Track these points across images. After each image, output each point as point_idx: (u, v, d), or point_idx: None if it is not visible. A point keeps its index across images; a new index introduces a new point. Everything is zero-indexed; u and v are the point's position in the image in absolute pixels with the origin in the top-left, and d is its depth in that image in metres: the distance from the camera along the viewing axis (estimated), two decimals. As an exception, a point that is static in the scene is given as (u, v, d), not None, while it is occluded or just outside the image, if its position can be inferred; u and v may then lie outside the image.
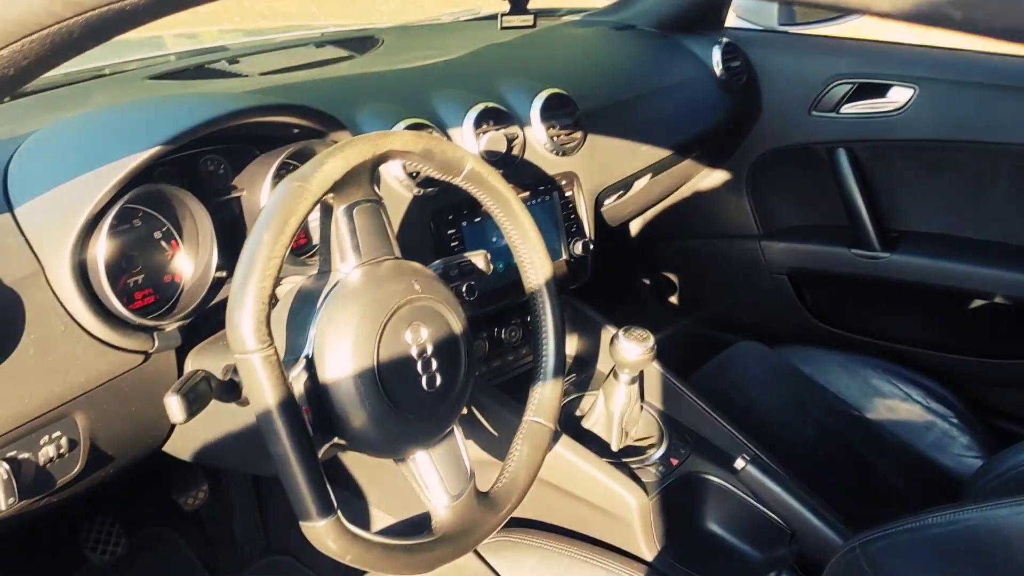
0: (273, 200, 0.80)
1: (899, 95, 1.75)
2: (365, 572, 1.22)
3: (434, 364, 0.92)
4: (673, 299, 2.27)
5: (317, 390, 0.86)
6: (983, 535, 0.88)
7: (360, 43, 1.62)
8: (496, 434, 1.28)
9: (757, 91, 1.91)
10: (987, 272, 1.72)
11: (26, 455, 0.91)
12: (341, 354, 0.85)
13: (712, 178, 2.03)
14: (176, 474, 1.58)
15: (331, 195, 0.87)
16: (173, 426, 1.10)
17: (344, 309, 0.86)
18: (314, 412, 0.85)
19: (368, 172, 0.90)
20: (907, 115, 1.74)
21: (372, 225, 0.91)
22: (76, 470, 0.97)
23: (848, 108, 1.81)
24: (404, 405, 0.89)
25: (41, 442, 0.92)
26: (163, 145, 0.92)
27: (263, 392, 0.78)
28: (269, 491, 1.70)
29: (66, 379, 0.92)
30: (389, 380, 0.87)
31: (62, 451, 0.94)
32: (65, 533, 1.49)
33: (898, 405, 1.68)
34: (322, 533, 0.82)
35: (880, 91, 1.78)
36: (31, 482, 0.92)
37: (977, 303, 1.79)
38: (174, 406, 0.81)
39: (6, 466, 0.88)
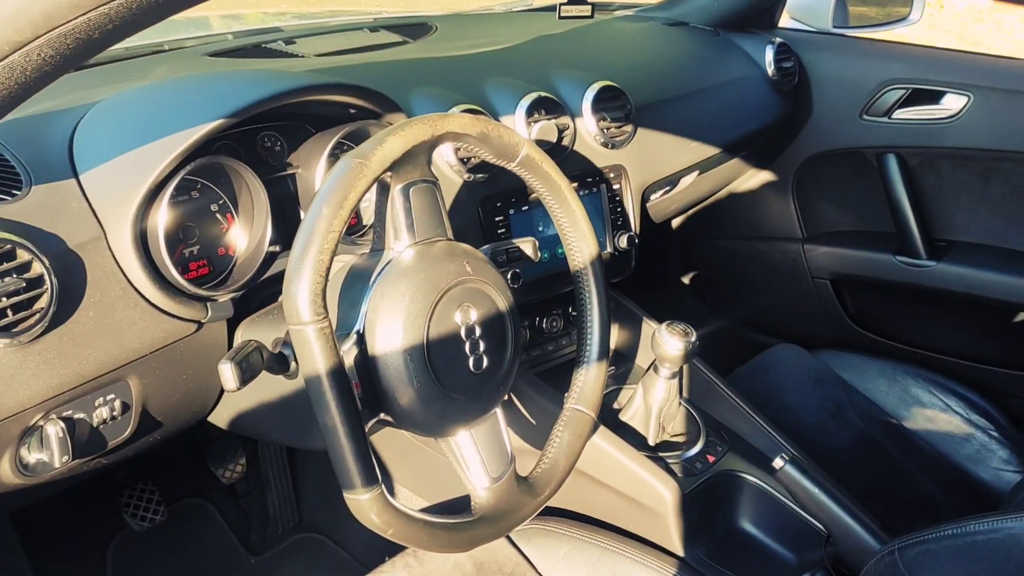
0: (333, 176, 0.81)
1: (953, 102, 1.73)
2: (394, 553, 1.23)
3: (482, 346, 0.93)
4: (713, 298, 2.26)
5: (366, 365, 0.87)
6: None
7: (414, 29, 1.63)
8: (534, 422, 1.29)
9: (808, 93, 1.90)
10: (1034, 285, 1.70)
11: (81, 415, 0.93)
12: (392, 331, 0.86)
13: (758, 178, 2.02)
14: (215, 447, 1.61)
15: (389, 174, 0.88)
16: (219, 397, 1.12)
17: (396, 287, 0.87)
18: (363, 387, 0.86)
19: (426, 153, 0.91)
20: (960, 123, 1.72)
21: (427, 205, 0.92)
22: (127, 433, 0.99)
23: (900, 114, 1.80)
24: (451, 385, 0.90)
25: (96, 404, 0.94)
26: (226, 118, 0.94)
27: (316, 363, 0.79)
28: (303, 469, 1.72)
29: (122, 343, 0.94)
30: (437, 359, 0.88)
31: (115, 414, 0.96)
32: (108, 499, 1.52)
33: (937, 415, 1.67)
34: (365, 506, 0.83)
35: (934, 97, 1.76)
36: (84, 442, 0.94)
37: (1022, 316, 1.76)
38: (227, 373, 0.83)
39: (62, 425, 0.90)
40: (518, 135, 0.98)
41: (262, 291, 1.11)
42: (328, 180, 0.82)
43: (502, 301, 0.96)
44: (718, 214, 2.09)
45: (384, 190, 0.91)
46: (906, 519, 1.45)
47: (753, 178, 2.01)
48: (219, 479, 1.59)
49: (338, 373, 0.80)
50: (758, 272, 2.13)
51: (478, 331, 0.92)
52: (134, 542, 1.55)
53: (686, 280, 2.28)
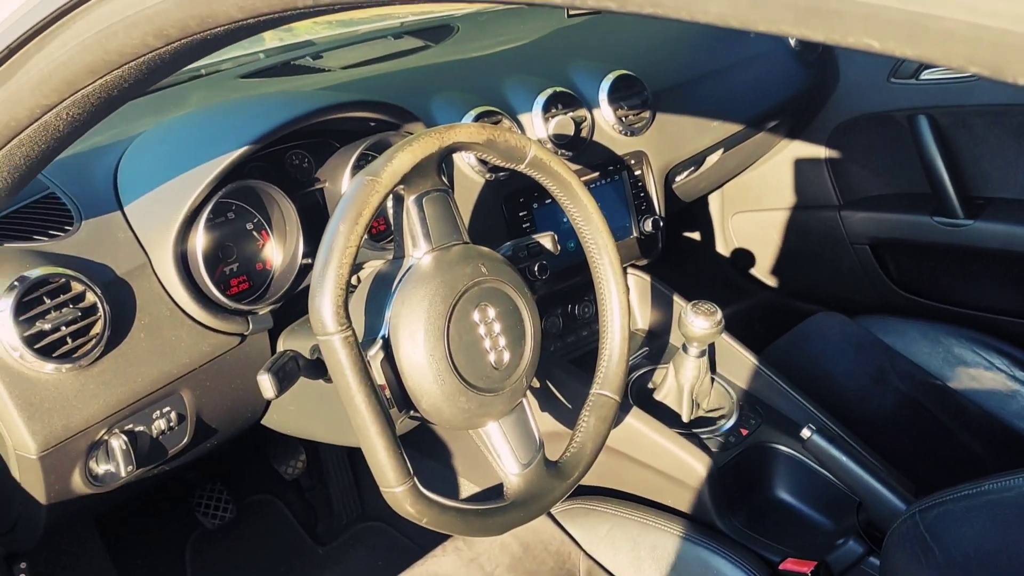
0: (348, 194, 0.88)
1: (982, 58, 1.71)
2: (451, 536, 1.30)
3: (502, 342, 0.98)
4: (753, 271, 2.28)
5: (394, 368, 0.93)
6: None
7: (437, 32, 1.68)
8: (570, 406, 1.34)
9: (834, 60, 1.90)
10: (1076, 237, 1.68)
11: (141, 428, 1.02)
12: (414, 334, 0.92)
13: (790, 149, 2.02)
14: (276, 445, 1.70)
15: (401, 187, 0.94)
16: (269, 402, 1.20)
17: (416, 292, 0.93)
18: (391, 388, 0.93)
19: (435, 164, 0.96)
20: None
21: (441, 213, 0.98)
22: (185, 441, 1.07)
23: (927, 74, 1.79)
24: (475, 381, 0.95)
25: (153, 416, 1.03)
26: (251, 144, 1.01)
27: (343, 370, 0.85)
28: (362, 461, 1.81)
29: (173, 360, 1.02)
30: (460, 358, 0.94)
31: (172, 424, 1.05)
32: (180, 500, 1.62)
33: (981, 374, 1.66)
34: (400, 498, 0.89)
35: (961, 55, 1.74)
36: (146, 452, 1.03)
37: (1065, 269, 1.75)
38: (266, 383, 0.90)
39: (124, 438, 0.99)
40: (524, 137, 1.03)
41: (299, 301, 1.18)
42: (344, 198, 0.88)
43: (519, 298, 1.01)
44: (753, 187, 2.10)
45: (399, 202, 0.97)
46: (952, 479, 1.46)
47: (785, 149, 2.02)
48: (282, 475, 1.68)
49: (365, 379, 0.86)
50: (797, 241, 2.13)
51: (497, 328, 0.98)
52: (209, 539, 1.65)
53: (726, 254, 2.30)
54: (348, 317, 0.85)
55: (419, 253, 0.97)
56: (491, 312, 0.98)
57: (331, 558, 1.73)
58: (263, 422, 1.24)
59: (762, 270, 2.26)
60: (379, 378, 0.92)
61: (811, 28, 0.33)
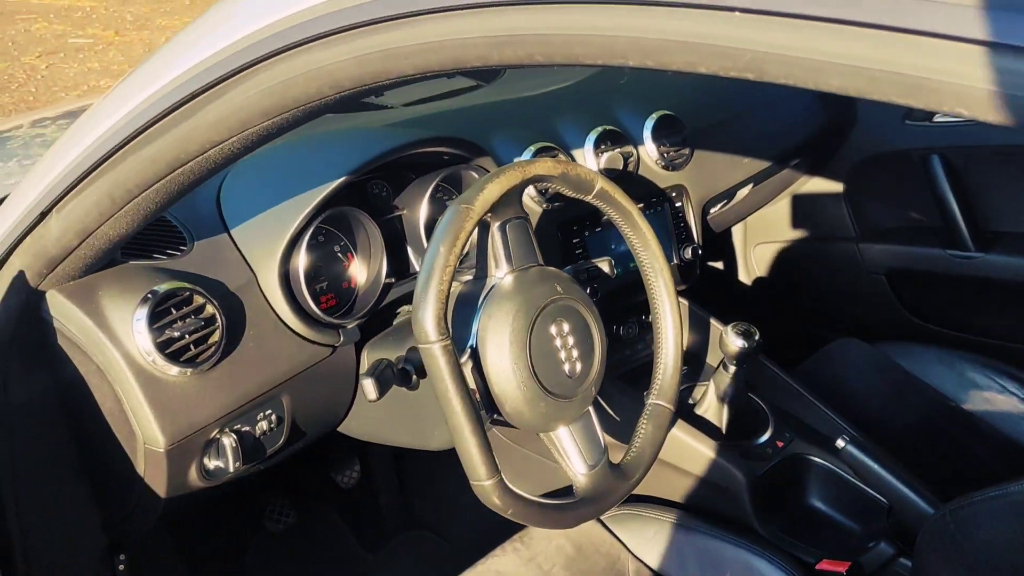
0: (445, 219, 0.99)
1: (992, 102, 1.85)
2: (492, 542, 1.40)
3: (575, 353, 1.09)
4: (774, 299, 2.40)
5: (481, 374, 1.04)
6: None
7: (486, 72, 1.81)
8: (618, 419, 1.45)
9: (853, 101, 2.03)
10: (1081, 269, 1.80)
11: (247, 428, 1.13)
12: (501, 345, 1.03)
13: (811, 184, 2.15)
14: (333, 456, 1.80)
15: (488, 214, 1.06)
16: (349, 409, 1.31)
17: (501, 307, 1.05)
18: (480, 393, 1.04)
19: (518, 193, 1.08)
20: None
21: (521, 238, 1.09)
22: (280, 442, 1.18)
23: (940, 117, 1.92)
24: (551, 388, 1.06)
25: (258, 418, 1.14)
26: (349, 175, 1.13)
27: (442, 375, 0.96)
28: (409, 472, 1.91)
29: (276, 367, 1.13)
30: (539, 367, 1.05)
31: (272, 426, 1.16)
32: (246, 505, 1.73)
33: (995, 397, 1.77)
34: (489, 490, 1.00)
35: (973, 99, 1.87)
36: (250, 450, 1.13)
37: (1072, 300, 1.87)
38: (369, 386, 1.01)
39: (234, 437, 1.10)
40: (592, 171, 1.15)
41: (379, 317, 1.30)
42: (441, 223, 0.99)
43: (588, 315, 1.13)
44: (777, 219, 2.23)
45: (483, 227, 1.09)
46: (969, 490, 1.57)
47: (807, 184, 2.15)
48: (339, 485, 1.78)
49: (461, 382, 0.97)
50: (817, 271, 2.25)
51: (571, 341, 1.09)
52: (268, 544, 1.75)
53: (749, 282, 2.42)
54: (448, 328, 0.97)
55: (501, 273, 1.08)
56: (565, 327, 1.09)
57: (379, 564, 1.83)
58: (340, 429, 1.35)
59: (783, 298, 2.38)
60: (470, 384, 1.03)
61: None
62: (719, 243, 2.34)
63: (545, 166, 1.09)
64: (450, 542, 1.86)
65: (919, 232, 2.05)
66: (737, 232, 2.32)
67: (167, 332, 1.02)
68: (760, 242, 2.32)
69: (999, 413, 1.74)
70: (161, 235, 1.13)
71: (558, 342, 1.08)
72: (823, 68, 0.47)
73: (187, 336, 1.03)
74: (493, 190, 1.03)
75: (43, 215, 0.93)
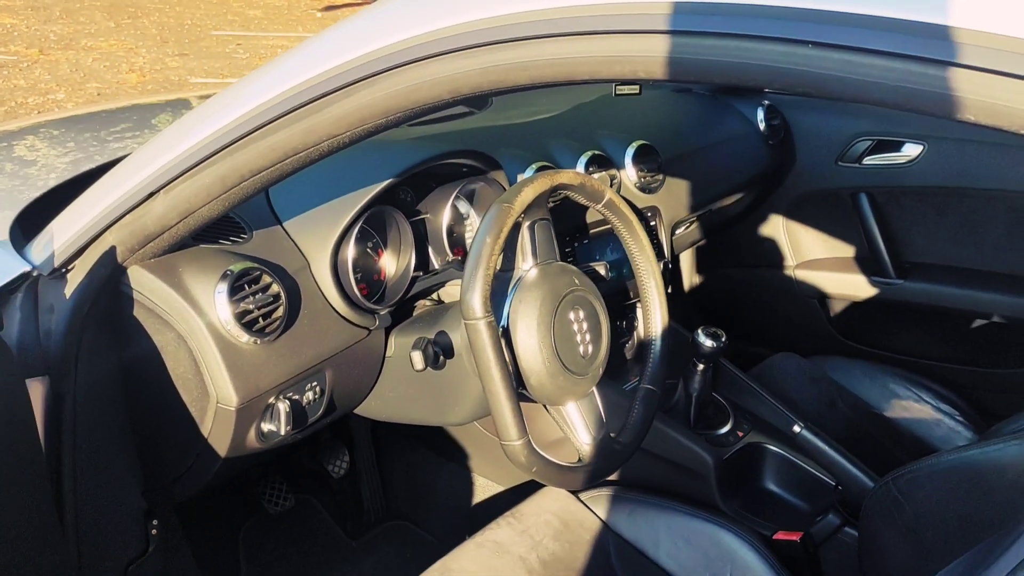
0: (490, 216, 1.17)
1: (911, 150, 2.14)
2: (472, 533, 1.55)
3: (588, 337, 1.28)
4: (721, 317, 2.63)
5: (512, 351, 1.21)
6: (983, 464, 1.23)
7: (476, 100, 2.00)
8: (601, 409, 1.63)
9: (792, 145, 2.30)
10: (984, 296, 2.09)
11: (296, 397, 1.27)
12: (529, 326, 1.21)
13: (754, 217, 2.41)
14: (325, 448, 1.93)
15: (521, 214, 1.23)
16: (370, 391, 1.46)
17: (530, 294, 1.22)
18: (511, 367, 1.21)
19: (546, 198, 1.26)
20: (918, 166, 2.12)
21: (545, 236, 1.28)
22: (320, 412, 1.32)
23: (868, 160, 2.20)
24: (569, 366, 1.24)
25: (306, 388, 1.28)
26: (395, 177, 1.30)
27: (486, 347, 1.13)
28: (389, 466, 2.05)
29: (324, 343, 1.28)
30: (560, 346, 1.23)
31: (316, 396, 1.30)
32: (246, 488, 1.84)
33: (912, 405, 2.02)
34: (518, 450, 1.16)
35: (895, 146, 2.16)
36: (298, 417, 1.27)
37: (978, 322, 2.15)
38: (417, 357, 1.18)
39: (287, 403, 1.23)
40: (603, 184, 1.35)
41: (400, 309, 1.45)
42: (486, 219, 1.17)
43: (599, 305, 1.31)
44: (722, 246, 2.47)
45: (515, 226, 1.26)
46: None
47: (751, 215, 2.40)
48: (329, 474, 1.91)
49: (500, 354, 1.14)
50: (757, 294, 2.51)
51: (585, 327, 1.27)
52: (259, 527, 1.86)
53: (696, 301, 2.65)
54: (491, 308, 1.14)
55: (527, 266, 1.26)
56: (581, 314, 1.27)
57: (361, 551, 1.96)
58: (359, 411, 1.49)
59: (728, 316, 2.62)
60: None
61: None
62: (674, 264, 2.57)
63: (568, 176, 1.28)
64: (429, 532, 2.00)
65: (847, 261, 2.32)
66: (686, 257, 2.55)
67: (242, 305, 1.16)
68: (707, 268, 2.57)
69: (916, 420, 1.99)
70: (222, 223, 1.26)
71: (575, 327, 1.26)
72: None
73: (258, 309, 1.17)
74: (529, 193, 1.21)
75: (151, 195, 1.06)
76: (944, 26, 0.57)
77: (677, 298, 2.60)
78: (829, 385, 2.06)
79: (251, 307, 1.16)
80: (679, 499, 1.58)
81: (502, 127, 1.79)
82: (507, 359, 1.20)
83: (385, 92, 0.89)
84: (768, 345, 2.49)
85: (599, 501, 1.60)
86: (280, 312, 1.20)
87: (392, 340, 1.42)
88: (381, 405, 1.48)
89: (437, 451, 2.00)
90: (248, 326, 1.16)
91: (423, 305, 1.51)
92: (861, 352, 2.31)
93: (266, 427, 1.24)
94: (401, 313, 1.46)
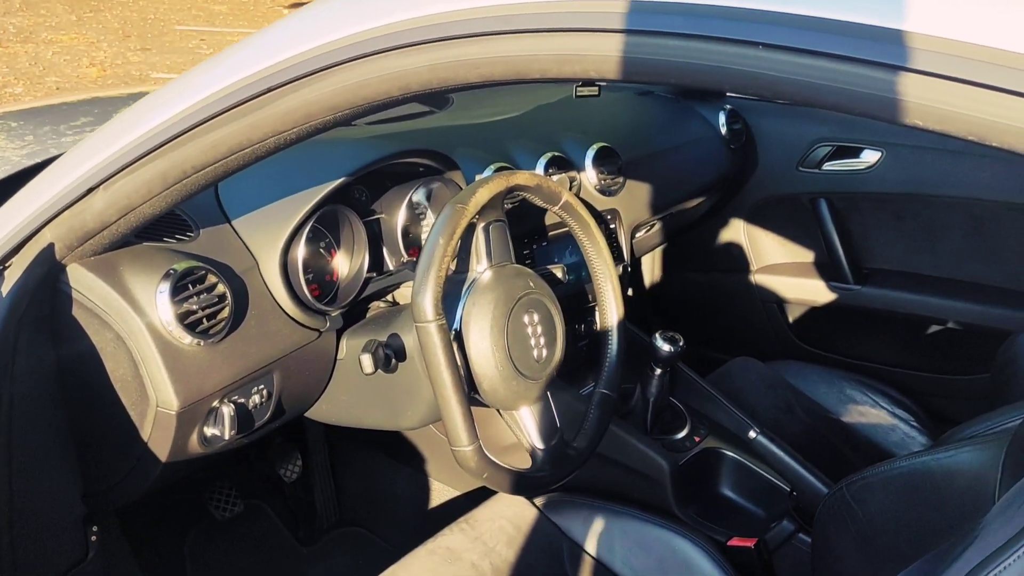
0: (443, 216, 1.15)
1: (870, 156, 2.15)
2: (424, 540, 1.52)
3: (542, 340, 1.26)
4: (681, 321, 2.63)
5: (464, 355, 1.19)
6: (934, 471, 1.23)
7: (436, 99, 1.97)
8: (555, 413, 1.62)
9: (754, 149, 2.30)
10: (941, 302, 2.10)
11: (242, 400, 1.23)
12: (483, 329, 1.19)
13: (714, 221, 2.41)
14: (277, 450, 1.89)
15: (476, 215, 1.21)
16: (320, 394, 1.43)
17: (484, 297, 1.20)
18: (463, 371, 1.18)
19: (501, 199, 1.24)
20: (876, 172, 2.13)
21: (500, 238, 1.26)
22: (267, 416, 1.29)
23: (828, 165, 2.20)
24: (522, 369, 1.22)
25: (252, 391, 1.24)
26: (349, 176, 1.27)
27: (437, 351, 1.11)
28: (343, 472, 2.01)
29: (272, 345, 1.25)
30: (514, 350, 1.21)
31: (263, 400, 1.26)
32: (192, 493, 1.80)
33: (868, 411, 2.03)
34: (468, 456, 1.14)
35: (854, 152, 2.17)
36: (243, 421, 1.24)
37: (933, 328, 2.17)
38: (366, 360, 1.15)
39: (232, 406, 1.20)
40: (560, 186, 1.33)
41: (353, 311, 1.42)
42: (439, 219, 1.15)
43: (553, 309, 1.29)
44: (682, 250, 2.47)
45: (469, 227, 1.24)
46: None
47: (711, 219, 2.40)
48: (281, 479, 1.87)
49: (452, 358, 1.12)
50: (717, 298, 2.51)
51: (539, 330, 1.26)
52: (206, 534, 1.82)
53: (656, 305, 2.65)
54: (444, 310, 1.12)
55: (482, 268, 1.24)
56: (536, 317, 1.25)
57: (313, 558, 1.92)
58: (310, 414, 1.46)
59: (688, 320, 2.61)
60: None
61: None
62: (634, 268, 2.56)
63: (525, 177, 1.26)
64: (382, 539, 1.97)
65: (806, 266, 2.33)
66: (646, 261, 2.55)
67: (185, 305, 1.12)
68: (667, 271, 2.56)
69: (871, 425, 2.00)
70: (167, 220, 1.23)
71: (529, 330, 1.24)
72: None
73: (202, 310, 1.14)
74: (483, 194, 1.19)
75: (90, 190, 1.03)
76: (893, 30, 0.56)
77: (636, 301, 2.60)
78: (786, 390, 2.07)
79: (195, 307, 1.13)
80: (634, 504, 1.56)
81: (461, 126, 1.77)
82: (459, 363, 1.18)
83: (332, 88, 0.87)
84: (727, 350, 2.48)
85: (554, 507, 1.58)
86: (225, 313, 1.17)
87: (344, 342, 1.39)
88: (332, 409, 1.44)
89: (393, 455, 1.97)
90: (191, 327, 1.13)
91: (377, 307, 1.48)
92: (819, 357, 2.31)
93: (209, 431, 1.21)
94: (354, 315, 1.43)
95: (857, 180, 2.16)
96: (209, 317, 1.15)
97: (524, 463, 1.25)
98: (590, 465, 1.62)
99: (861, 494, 1.29)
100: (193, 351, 1.15)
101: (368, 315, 1.46)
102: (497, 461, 1.18)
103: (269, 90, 0.89)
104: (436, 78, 0.82)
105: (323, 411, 1.46)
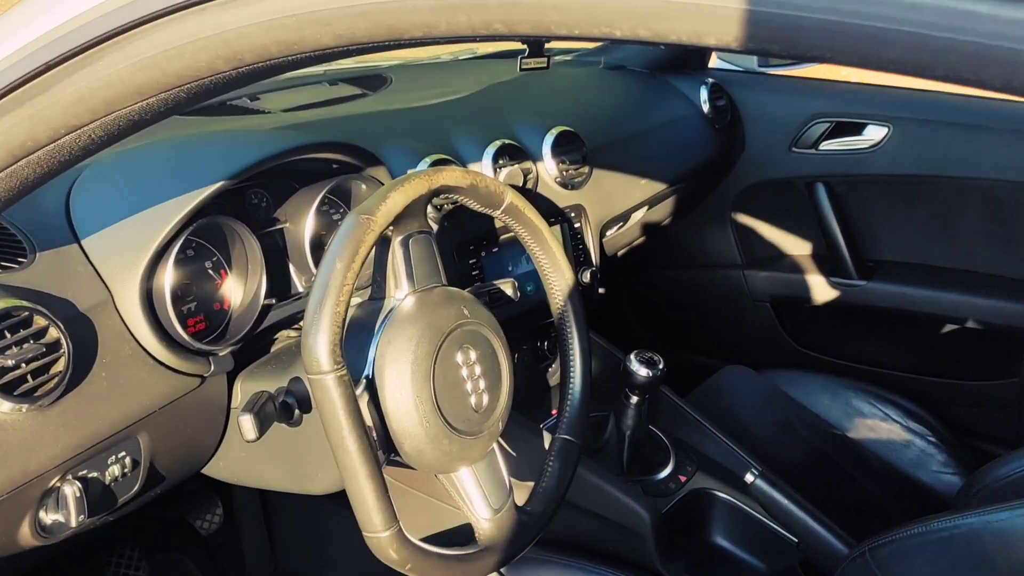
0: (343, 232, 0.87)
1: (874, 133, 1.88)
2: None
3: (481, 384, 0.98)
4: (660, 326, 2.36)
5: (378, 409, 0.92)
6: (984, 537, 0.97)
7: (371, 81, 1.69)
8: (514, 453, 1.35)
9: (741, 129, 2.02)
10: (958, 298, 1.84)
11: (95, 474, 0.96)
12: (401, 375, 0.91)
13: (699, 211, 2.13)
14: (192, 500, 1.62)
15: (390, 228, 0.93)
16: (216, 448, 1.15)
17: (402, 332, 0.93)
18: (376, 430, 0.91)
19: (423, 205, 0.96)
20: (882, 152, 1.86)
21: (425, 255, 0.98)
22: (135, 489, 1.01)
23: (826, 145, 1.93)
24: (456, 424, 0.95)
25: (109, 461, 0.97)
26: (228, 179, 0.99)
27: (335, 410, 0.83)
28: (277, 515, 1.74)
29: (133, 401, 0.97)
30: (444, 400, 0.94)
31: (126, 471, 0.99)
32: (87, 558, 1.51)
33: (878, 425, 1.78)
34: (385, 543, 0.87)
35: (856, 129, 1.90)
36: (97, 500, 0.96)
37: (949, 327, 1.91)
38: (247, 424, 0.87)
39: (78, 485, 0.92)
40: (503, 184, 1.05)
41: (254, 344, 1.14)
42: (338, 236, 0.87)
43: (496, 341, 1.02)
44: (663, 246, 2.20)
45: (384, 242, 0.96)
46: (859, 525, 1.55)
47: (695, 210, 2.13)
48: (197, 531, 1.60)
49: (358, 419, 0.85)
50: (702, 298, 2.24)
51: (478, 370, 0.98)
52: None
53: (634, 308, 2.37)
54: (343, 356, 0.84)
55: (401, 294, 0.96)
56: (472, 354, 0.98)
57: (243, 618, 1.65)
58: (205, 471, 1.18)
59: (669, 325, 2.35)
60: (365, 419, 0.90)
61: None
62: (607, 269, 2.28)
63: (453, 176, 0.98)
64: (322, 592, 1.69)
65: (803, 260, 2.06)
66: (623, 257, 2.27)
67: (-1, 360, 0.84)
68: (647, 269, 2.29)
69: (883, 441, 1.74)
70: (-3, 243, 0.95)
71: (464, 372, 0.97)
72: None
73: (23, 365, 0.86)
74: (397, 200, 0.91)
75: None
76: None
77: (611, 305, 2.32)
78: (785, 403, 1.81)
79: (11, 363, 0.85)
80: (610, 561, 1.30)
81: (395, 112, 1.48)
82: (372, 421, 0.90)
83: (130, 62, 0.59)
84: (715, 355, 2.22)
85: (516, 565, 1.31)
86: (60, 366, 0.89)
87: (238, 386, 1.11)
88: (231, 466, 1.17)
89: (334, 497, 1.69)
90: (6, 390, 0.85)
91: (286, 336, 1.20)
92: (820, 363, 2.05)
93: (49, 518, 0.93)
94: (256, 348, 1.15)
95: (860, 161, 1.90)
96: (36, 373, 0.87)
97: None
98: (559, 514, 1.36)
99: (890, 562, 1.04)
100: (13, 420, 0.87)
101: (273, 348, 1.18)
102: (423, 546, 0.91)
103: (45, 69, 0.61)
104: (274, 43, 0.55)
105: (220, 468, 1.18)
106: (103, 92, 0.61)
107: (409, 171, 1.23)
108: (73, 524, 0.93)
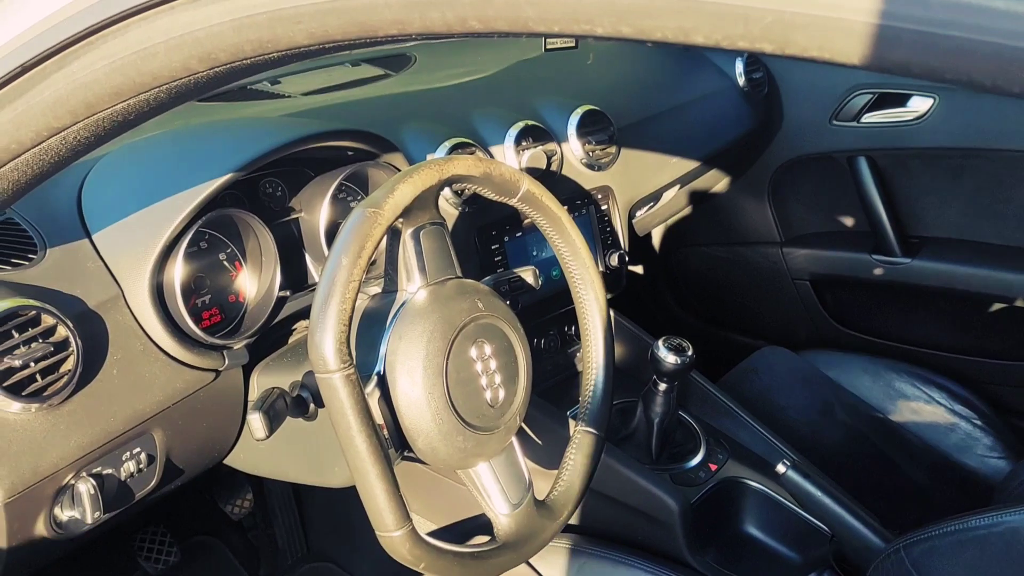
0: (349, 226, 0.84)
1: (920, 104, 1.80)
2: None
3: (497, 379, 0.96)
4: (697, 305, 2.31)
5: (390, 406, 0.90)
6: (1025, 537, 0.92)
7: (394, 61, 1.66)
8: (540, 442, 1.32)
9: (779, 101, 1.95)
10: (1007, 276, 1.76)
11: (109, 471, 0.95)
12: (413, 371, 0.89)
13: (735, 187, 2.07)
14: (222, 483, 1.62)
15: (400, 220, 0.91)
16: (237, 440, 1.15)
17: (414, 328, 0.90)
18: (388, 428, 0.89)
19: (433, 196, 0.94)
20: (928, 124, 1.78)
21: (437, 247, 0.95)
22: (152, 484, 1.01)
23: (869, 117, 1.86)
24: (470, 420, 0.92)
25: (123, 458, 0.96)
26: (237, 171, 0.97)
27: (344, 410, 0.81)
28: (308, 499, 1.74)
29: (146, 397, 0.96)
30: (457, 395, 0.91)
31: (141, 466, 0.98)
32: (122, 544, 1.53)
33: (922, 407, 1.72)
34: (398, 542, 0.86)
35: (900, 100, 1.82)
36: (113, 497, 0.96)
37: (997, 306, 1.83)
38: (257, 423, 0.85)
39: (92, 482, 0.92)
40: (518, 172, 1.02)
41: (272, 335, 1.13)
42: (344, 230, 0.84)
43: (513, 334, 0.99)
44: (698, 223, 2.14)
45: (395, 235, 0.94)
46: (900, 512, 1.50)
47: (731, 187, 2.07)
48: (228, 515, 1.61)
49: (366, 418, 0.83)
50: (740, 277, 2.18)
51: (493, 365, 0.95)
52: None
53: (668, 288, 2.33)
54: (351, 354, 0.82)
55: (413, 288, 0.94)
56: (487, 349, 0.95)
57: (276, 601, 1.66)
58: (226, 462, 1.18)
59: (704, 304, 2.30)
60: (377, 417, 0.88)
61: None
62: (640, 247, 2.24)
63: (465, 164, 0.95)
64: (354, 574, 1.69)
65: (845, 237, 1.99)
66: (657, 236, 2.23)
67: (6, 361, 0.84)
68: (683, 246, 2.24)
69: (927, 424, 1.69)
70: (5, 240, 0.94)
71: (479, 366, 0.94)
72: None
73: (32, 364, 0.85)
74: (405, 192, 0.89)
75: None
76: None
77: (644, 284, 2.28)
78: (824, 386, 1.76)
79: (19, 363, 0.84)
80: (639, 551, 1.27)
81: (416, 93, 1.45)
82: (385, 418, 0.89)
83: (106, 63, 0.57)
84: (752, 335, 2.17)
85: (542, 554, 1.29)
86: (70, 364, 0.88)
87: (255, 379, 1.10)
88: (251, 459, 1.17)
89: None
90: (15, 390, 0.84)
91: (304, 328, 1.19)
92: (861, 343, 1.99)
93: (65, 515, 0.93)
94: (274, 340, 1.14)
95: (904, 134, 1.82)
96: (45, 372, 0.87)
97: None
98: (586, 503, 1.34)
99: (924, 560, 1.00)
100: (23, 421, 0.86)
101: (291, 340, 1.17)
102: (437, 544, 0.89)
103: (22, 71, 0.59)
104: (246, 41, 0.52)
105: (242, 460, 1.18)
106: (81, 94, 0.59)
107: (419, 162, 1.20)
108: (89, 521, 0.92)
